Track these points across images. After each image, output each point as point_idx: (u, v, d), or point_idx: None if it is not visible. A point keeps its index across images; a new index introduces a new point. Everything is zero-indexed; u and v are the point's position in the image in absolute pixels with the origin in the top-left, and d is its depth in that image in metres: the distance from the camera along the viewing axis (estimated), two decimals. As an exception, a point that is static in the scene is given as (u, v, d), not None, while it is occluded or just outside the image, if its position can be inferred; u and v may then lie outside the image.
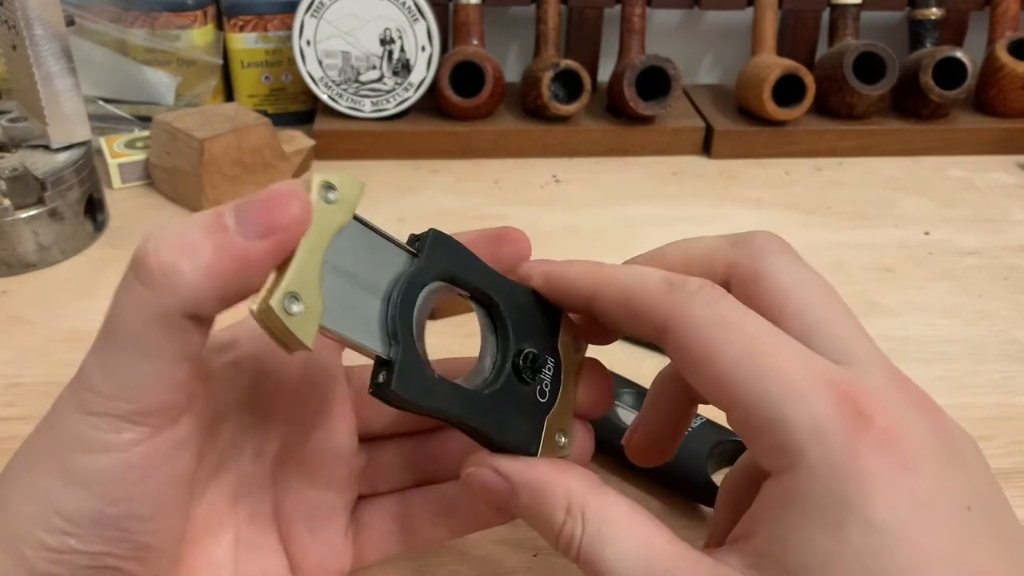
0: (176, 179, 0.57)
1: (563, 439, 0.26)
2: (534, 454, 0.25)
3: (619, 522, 0.22)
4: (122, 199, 0.58)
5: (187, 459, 0.23)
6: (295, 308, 0.20)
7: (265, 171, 0.58)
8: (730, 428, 0.35)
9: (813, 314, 0.22)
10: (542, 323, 0.26)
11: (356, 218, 0.22)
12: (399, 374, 0.22)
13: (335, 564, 0.28)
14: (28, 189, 0.48)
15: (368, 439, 0.29)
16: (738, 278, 0.24)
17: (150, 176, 0.60)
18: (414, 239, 0.24)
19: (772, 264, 0.23)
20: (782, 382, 0.20)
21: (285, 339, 0.20)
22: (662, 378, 0.28)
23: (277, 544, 0.27)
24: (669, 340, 0.22)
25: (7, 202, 0.47)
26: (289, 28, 0.65)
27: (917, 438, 0.20)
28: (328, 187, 0.21)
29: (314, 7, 0.63)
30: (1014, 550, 0.20)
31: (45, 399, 0.39)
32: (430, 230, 0.24)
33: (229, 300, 0.21)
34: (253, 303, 0.21)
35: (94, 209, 0.53)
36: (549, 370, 0.26)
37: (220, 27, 0.67)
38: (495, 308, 0.25)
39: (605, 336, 0.27)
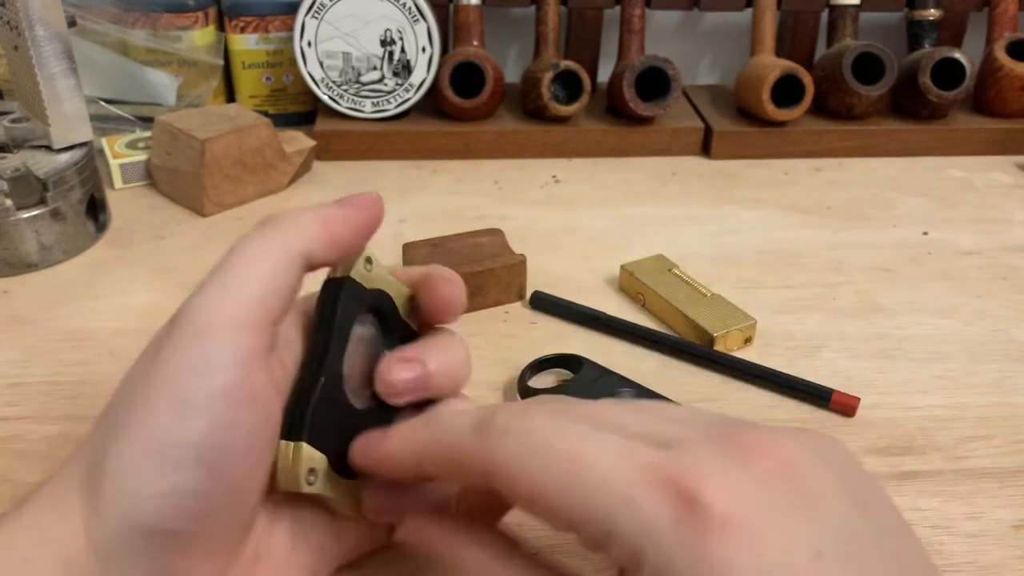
0: (177, 179, 0.57)
1: (313, 477, 0.26)
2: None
3: None
4: (123, 199, 0.58)
5: (276, 402, 0.25)
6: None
7: (266, 171, 0.58)
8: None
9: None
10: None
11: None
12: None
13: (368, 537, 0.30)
14: (30, 189, 0.48)
15: None
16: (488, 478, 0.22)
17: (151, 176, 0.60)
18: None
19: (508, 449, 0.22)
20: (606, 492, 0.20)
21: None
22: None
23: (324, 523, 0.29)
24: (497, 486, 0.22)
25: (9, 202, 0.48)
26: (290, 29, 0.65)
27: (751, 502, 0.19)
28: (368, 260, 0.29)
29: (315, 8, 0.63)
30: (882, 567, 0.19)
31: (46, 399, 0.39)
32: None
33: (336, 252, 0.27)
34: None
35: (95, 209, 0.53)
36: None
37: (221, 28, 0.67)
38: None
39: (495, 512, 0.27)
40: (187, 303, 0.25)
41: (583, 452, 0.20)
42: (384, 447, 0.26)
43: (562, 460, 0.21)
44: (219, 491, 0.23)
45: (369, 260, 0.29)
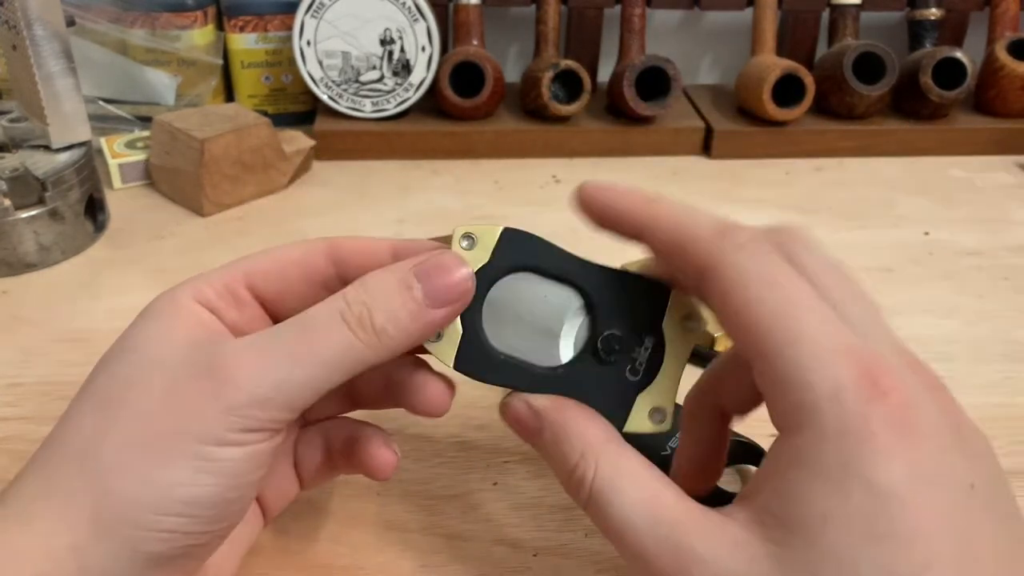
0: (176, 179, 0.57)
1: (660, 416, 0.27)
2: (619, 427, 0.26)
3: (631, 475, 0.23)
4: (122, 199, 0.58)
5: (281, 446, 0.26)
6: (433, 339, 0.26)
7: (265, 171, 0.58)
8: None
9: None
10: (641, 304, 0.27)
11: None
12: (458, 356, 0.26)
13: (287, 493, 0.30)
14: (29, 189, 0.48)
15: None
16: (711, 272, 0.23)
17: (150, 176, 0.60)
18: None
19: (739, 259, 0.23)
20: (809, 345, 0.21)
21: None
22: (691, 402, 0.29)
23: None
24: (710, 284, 0.23)
25: (8, 202, 0.47)
26: (289, 28, 0.65)
27: (927, 415, 0.20)
28: (466, 236, 0.26)
29: (314, 7, 0.63)
30: (1013, 530, 0.21)
31: (45, 399, 0.39)
32: (504, 229, 0.27)
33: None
34: None
35: (94, 209, 0.53)
36: (646, 349, 0.27)
37: (220, 27, 0.67)
38: (584, 293, 0.27)
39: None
40: (224, 349, 0.24)
41: (805, 305, 0.21)
42: (619, 200, 0.26)
43: (784, 299, 0.22)
44: (219, 529, 0.24)
45: (467, 236, 0.27)
